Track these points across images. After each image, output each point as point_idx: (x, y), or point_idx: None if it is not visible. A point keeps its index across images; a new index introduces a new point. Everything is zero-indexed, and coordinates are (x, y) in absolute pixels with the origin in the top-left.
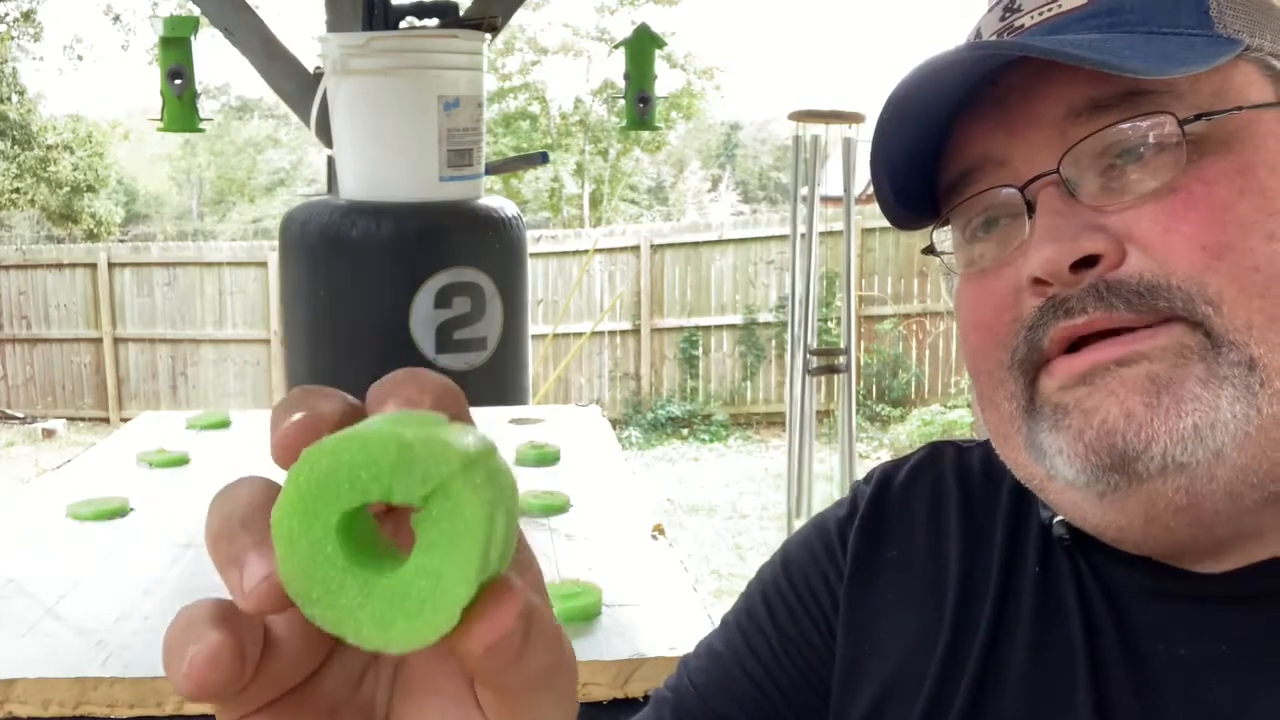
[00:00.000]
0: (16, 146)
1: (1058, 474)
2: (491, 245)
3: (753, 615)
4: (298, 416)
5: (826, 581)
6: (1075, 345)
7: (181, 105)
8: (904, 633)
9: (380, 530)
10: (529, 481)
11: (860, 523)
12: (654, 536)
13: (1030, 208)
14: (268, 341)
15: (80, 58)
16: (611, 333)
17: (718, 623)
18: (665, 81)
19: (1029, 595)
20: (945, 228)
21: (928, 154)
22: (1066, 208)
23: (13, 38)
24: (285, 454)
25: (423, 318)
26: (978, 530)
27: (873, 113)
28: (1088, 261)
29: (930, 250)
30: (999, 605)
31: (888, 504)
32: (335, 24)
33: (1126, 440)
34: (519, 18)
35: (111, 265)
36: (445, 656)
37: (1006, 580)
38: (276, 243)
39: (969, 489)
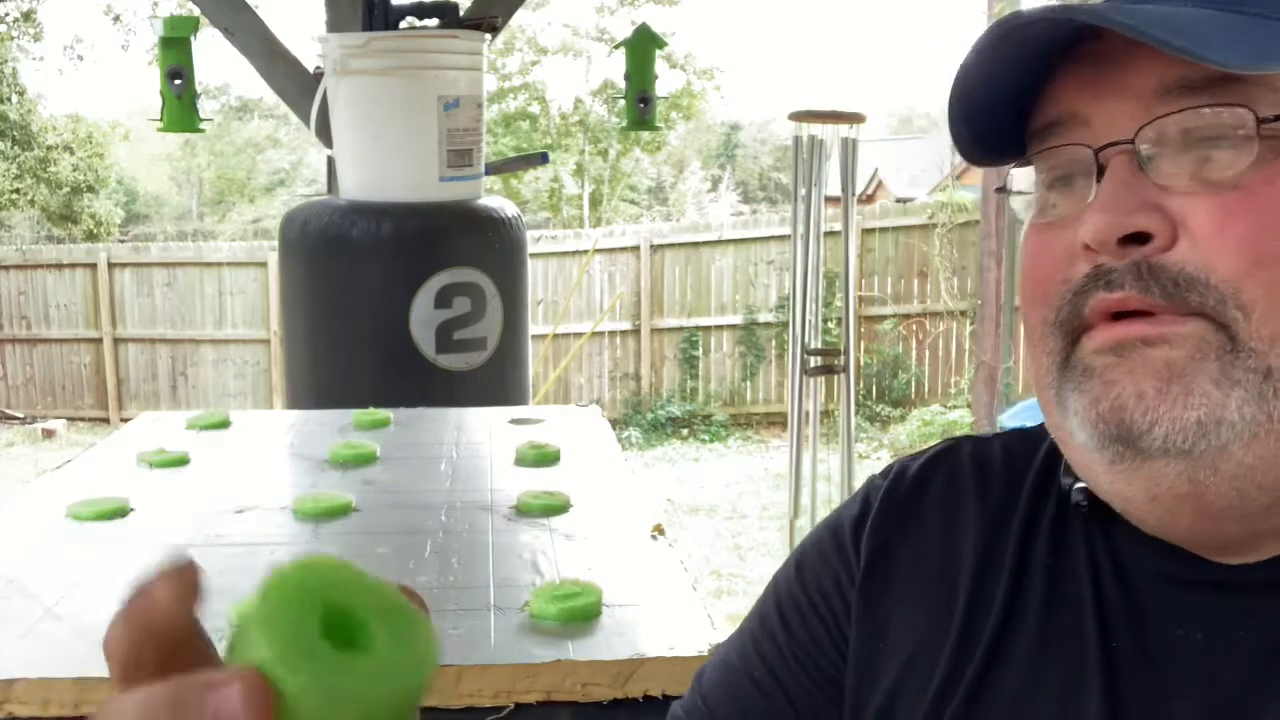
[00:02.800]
0: (16, 147)
1: (1075, 433)
2: (491, 245)
3: (765, 622)
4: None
5: (838, 583)
6: (1115, 318)
7: (181, 105)
8: (916, 626)
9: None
10: (529, 481)
11: (873, 521)
12: (654, 536)
13: (1100, 172)
14: (268, 341)
15: (80, 58)
16: (611, 333)
17: (717, 623)
18: (665, 81)
19: (1040, 579)
20: (1025, 169)
21: (1023, 94)
22: (1132, 179)
23: (13, 38)
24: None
25: (423, 318)
26: (993, 521)
27: (872, 113)
28: (1139, 238)
29: (1003, 190)
30: (1011, 591)
31: (902, 499)
32: (335, 24)
33: (1133, 419)
34: (519, 18)
35: (111, 265)
36: None
37: (1020, 567)
38: (276, 243)
39: (986, 480)
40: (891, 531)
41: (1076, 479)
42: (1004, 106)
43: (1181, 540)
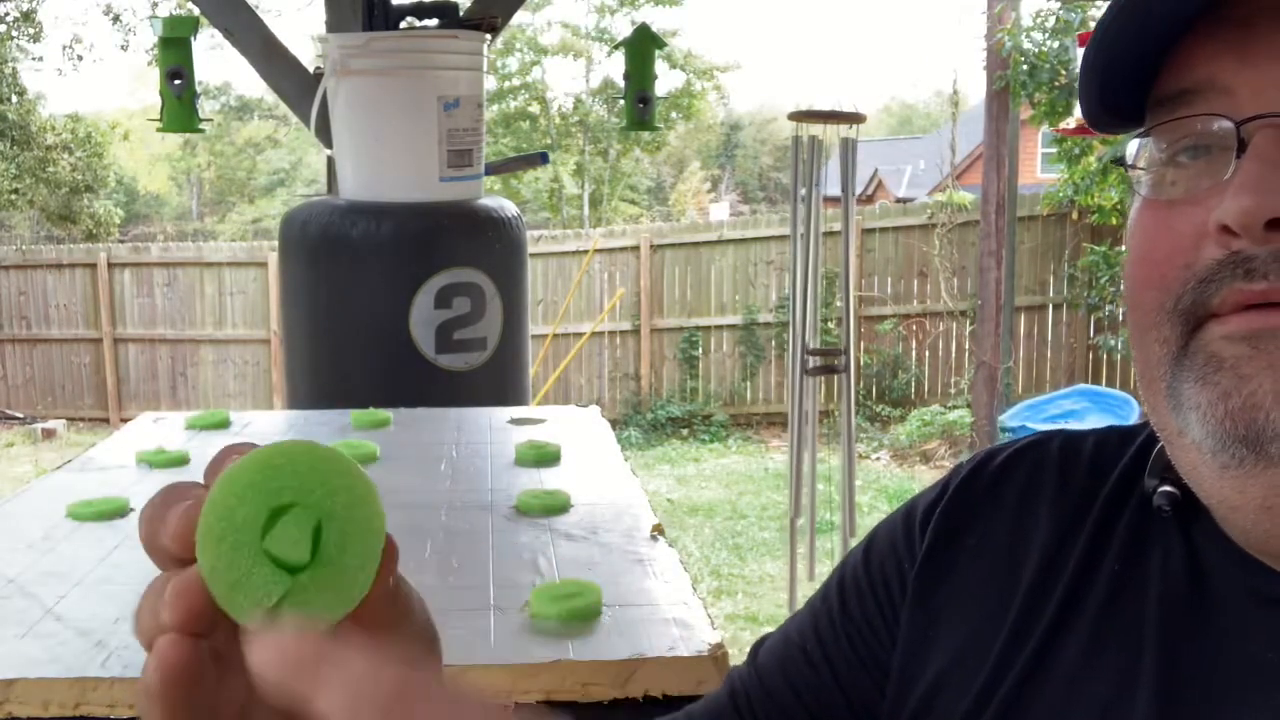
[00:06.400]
0: (15, 147)
1: (1188, 430)
2: (491, 245)
3: (827, 597)
4: (189, 502)
5: (900, 567)
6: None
7: (181, 105)
8: (969, 622)
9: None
10: (529, 481)
11: (944, 507)
12: (654, 537)
13: (1242, 147)
14: (268, 341)
15: (80, 58)
16: (611, 333)
17: (717, 623)
18: (665, 81)
19: (1104, 584)
20: (1142, 140)
21: (1151, 57)
22: None
23: (12, 38)
24: (186, 537)
25: (423, 318)
26: (1066, 522)
27: (872, 113)
28: None
29: (1120, 162)
30: (1070, 593)
31: (978, 488)
32: (335, 24)
33: (1269, 419)
34: (519, 18)
35: (111, 265)
36: None
37: (1084, 569)
38: (276, 243)
39: (1069, 479)
40: (961, 520)
41: (1162, 482)
42: (1135, 68)
43: (1276, 554)
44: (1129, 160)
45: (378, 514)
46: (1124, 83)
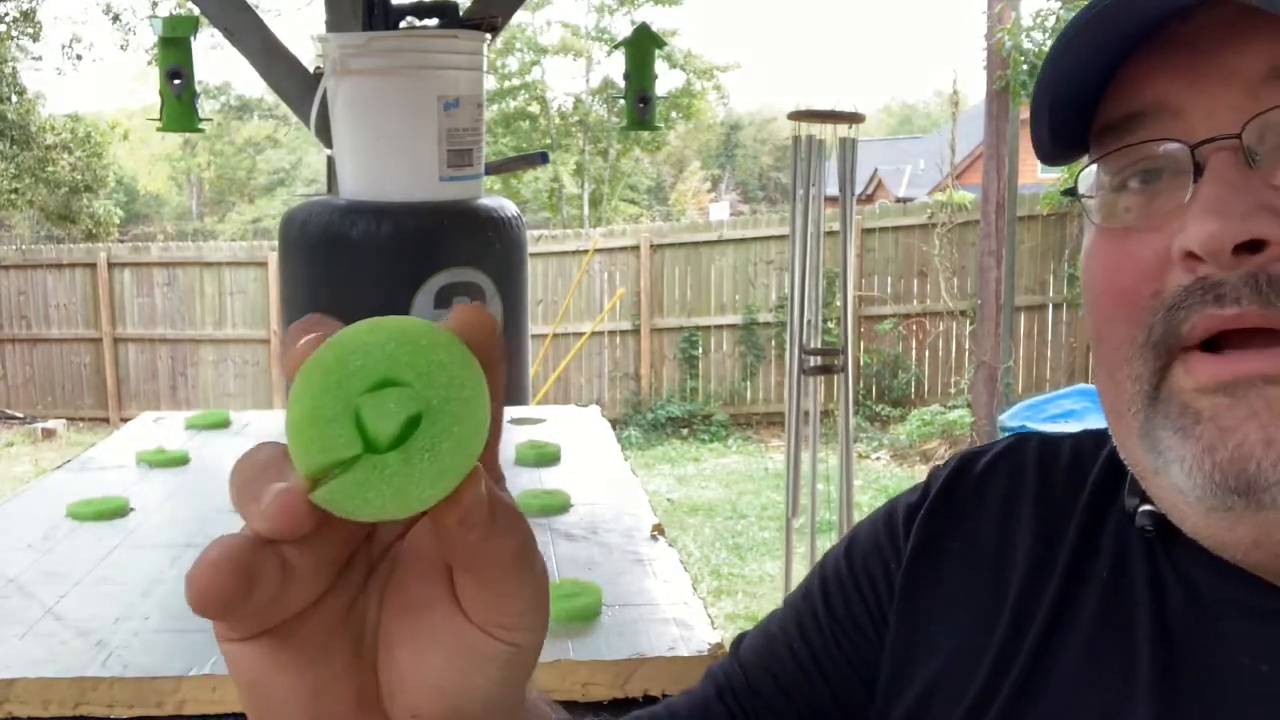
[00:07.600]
0: (15, 147)
1: (1167, 473)
2: (491, 245)
3: (809, 597)
4: (317, 333)
5: (886, 568)
6: (1216, 339)
7: (181, 105)
8: (959, 627)
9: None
10: (529, 481)
11: (927, 509)
12: (654, 536)
13: (1198, 170)
14: (268, 341)
15: (79, 58)
16: (611, 333)
17: (717, 623)
18: (665, 81)
19: (1094, 593)
20: (1092, 168)
21: (1095, 84)
22: (1240, 180)
23: (12, 37)
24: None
25: (423, 317)
26: (1050, 526)
27: (872, 113)
28: (1252, 246)
29: (1072, 193)
30: (1060, 602)
31: (960, 492)
32: (335, 24)
33: (1261, 469)
34: (519, 17)
35: (111, 265)
36: (430, 571)
37: (1072, 577)
38: (276, 243)
39: (1049, 482)
40: (945, 524)
41: (1143, 501)
42: (1081, 96)
43: (1272, 572)
44: (1080, 190)
45: (478, 439)
46: (1070, 112)
